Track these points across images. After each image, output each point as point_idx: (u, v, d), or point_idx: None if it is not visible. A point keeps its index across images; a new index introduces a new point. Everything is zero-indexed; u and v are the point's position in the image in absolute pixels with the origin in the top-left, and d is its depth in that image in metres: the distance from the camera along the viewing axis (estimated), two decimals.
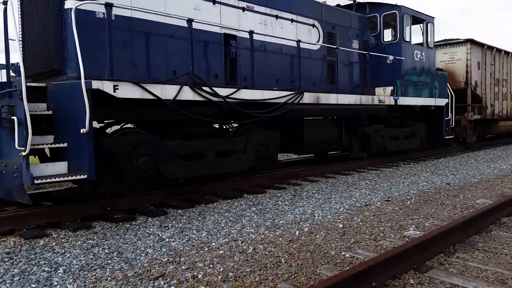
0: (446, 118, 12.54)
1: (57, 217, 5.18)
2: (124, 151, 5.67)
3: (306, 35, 8.65)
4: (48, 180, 4.79)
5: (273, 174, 8.34)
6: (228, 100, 6.53)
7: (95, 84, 5.02)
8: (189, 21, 6.10)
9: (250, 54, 7.11)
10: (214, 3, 6.96)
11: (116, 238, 4.66)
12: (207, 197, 6.71)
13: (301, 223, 5.21)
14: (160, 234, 4.79)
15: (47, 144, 5.11)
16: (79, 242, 4.51)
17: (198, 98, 6.19)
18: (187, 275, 3.53)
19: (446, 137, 12.80)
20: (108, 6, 5.24)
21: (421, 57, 11.45)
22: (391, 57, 10.36)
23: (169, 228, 5.04)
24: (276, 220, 5.38)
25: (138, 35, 5.96)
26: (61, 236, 4.77)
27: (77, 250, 4.23)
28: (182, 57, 6.35)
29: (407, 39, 10.90)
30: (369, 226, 5.04)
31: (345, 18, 9.77)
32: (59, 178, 4.91)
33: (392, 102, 10.38)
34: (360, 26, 10.25)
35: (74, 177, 4.98)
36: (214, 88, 6.39)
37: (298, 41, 7.96)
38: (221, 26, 6.99)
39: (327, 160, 11.47)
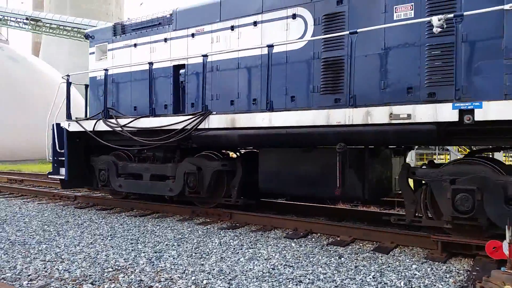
0: None
1: None
2: (95, 166, 8.85)
3: (280, 33, 6.71)
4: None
5: None
6: (129, 128, 7.75)
7: (62, 124, 8.80)
8: (150, 64, 7.68)
9: (196, 78, 7.69)
10: (165, 41, 8.10)
11: None
12: None
13: None
14: None
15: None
16: None
17: (107, 128, 8.08)
18: None
19: None
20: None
21: None
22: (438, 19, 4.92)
23: None
24: None
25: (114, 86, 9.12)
26: None
27: None
28: (141, 94, 8.34)
29: None
30: None
31: None
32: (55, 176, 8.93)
33: (451, 118, 4.86)
34: None
35: (56, 176, 8.87)
36: (119, 120, 8.00)
37: (269, 46, 6.37)
38: (171, 60, 7.95)
39: None
